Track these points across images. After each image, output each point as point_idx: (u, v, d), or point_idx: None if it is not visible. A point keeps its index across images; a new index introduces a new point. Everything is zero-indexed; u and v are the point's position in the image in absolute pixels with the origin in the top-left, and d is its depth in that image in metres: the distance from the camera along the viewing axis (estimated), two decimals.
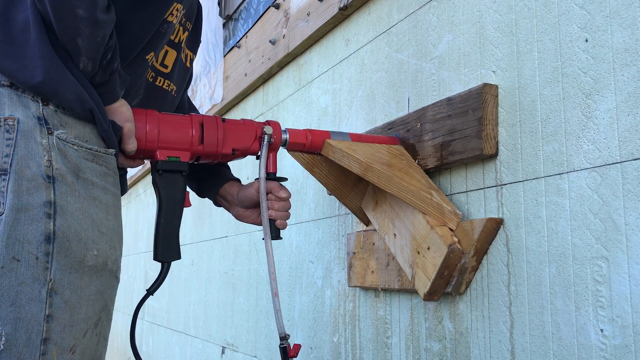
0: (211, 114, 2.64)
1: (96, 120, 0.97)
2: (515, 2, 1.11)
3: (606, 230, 0.91)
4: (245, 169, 2.30)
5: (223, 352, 2.40)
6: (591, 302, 0.92)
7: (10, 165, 0.90)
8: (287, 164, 1.94)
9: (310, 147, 1.27)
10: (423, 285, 1.17)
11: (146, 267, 3.86)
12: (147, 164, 1.22)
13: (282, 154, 1.94)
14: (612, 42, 0.93)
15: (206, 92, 2.73)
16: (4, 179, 0.90)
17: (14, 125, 0.92)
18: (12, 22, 0.96)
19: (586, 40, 0.97)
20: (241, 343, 2.24)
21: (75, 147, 0.95)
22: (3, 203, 0.89)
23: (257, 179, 1.22)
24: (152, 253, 1.13)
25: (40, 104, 0.94)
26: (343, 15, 1.68)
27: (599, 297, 0.91)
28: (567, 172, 0.98)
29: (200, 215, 2.80)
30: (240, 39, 2.44)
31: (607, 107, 0.93)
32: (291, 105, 2.01)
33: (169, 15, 1.10)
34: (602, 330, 0.90)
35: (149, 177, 3.90)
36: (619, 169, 0.90)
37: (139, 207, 4.23)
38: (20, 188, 0.90)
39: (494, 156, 1.13)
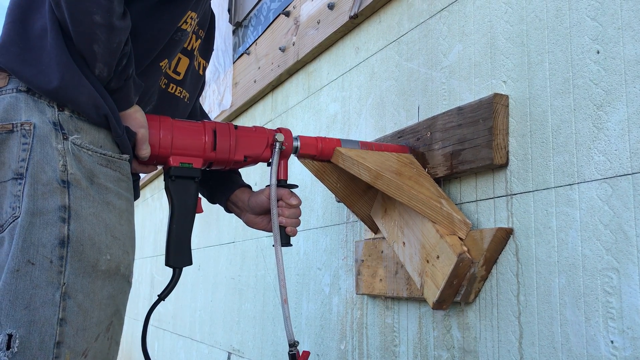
0: (220, 120, 2.65)
1: (111, 126, 0.98)
2: (526, 12, 1.12)
3: (617, 241, 0.91)
4: (253, 175, 2.31)
5: (229, 358, 2.40)
6: (601, 313, 0.92)
7: (26, 170, 0.91)
8: (295, 170, 1.95)
9: (321, 155, 1.27)
10: (432, 294, 1.17)
11: (152, 271, 3.87)
12: (157, 168, 1.23)
13: (291, 161, 1.95)
14: (623, 54, 0.93)
15: (215, 98, 2.74)
16: (20, 183, 0.91)
17: (30, 130, 0.93)
18: (30, 28, 0.97)
19: (598, 52, 0.97)
20: (247, 349, 2.24)
21: (90, 153, 0.96)
22: (19, 207, 0.90)
23: (268, 185, 1.23)
24: (158, 258, 1.13)
25: (56, 110, 0.95)
26: (353, 23, 1.69)
27: (609, 309, 0.91)
28: (578, 183, 0.98)
29: (208, 221, 2.80)
30: (250, 45, 2.45)
31: (619, 118, 0.93)
32: (300, 112, 2.02)
33: (183, 24, 1.11)
34: (612, 341, 0.90)
35: (157, 182, 3.92)
36: (630, 180, 0.90)
37: (146, 212, 4.25)
38: (35, 192, 0.91)
39: (504, 166, 1.13)
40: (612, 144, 0.94)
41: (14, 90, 0.96)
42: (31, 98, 0.95)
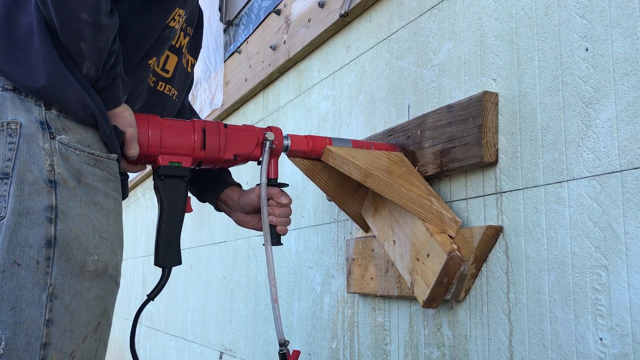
0: (211, 118, 2.64)
1: (99, 125, 0.97)
2: (515, 10, 1.12)
3: (606, 238, 0.91)
4: (244, 174, 2.30)
5: (221, 358, 2.40)
6: (590, 310, 0.92)
7: (13, 169, 0.90)
8: (286, 169, 1.95)
9: (311, 154, 1.27)
10: (422, 292, 1.17)
11: (144, 271, 3.86)
12: (147, 167, 1.22)
13: (282, 159, 1.94)
14: (612, 51, 0.93)
15: (206, 97, 2.73)
16: (5, 183, 0.90)
17: (16, 129, 0.92)
18: (16, 26, 0.96)
19: (586, 49, 0.97)
20: (239, 348, 2.24)
21: (78, 152, 0.95)
22: (5, 207, 0.89)
23: (258, 184, 1.23)
24: (150, 257, 1.13)
25: (43, 108, 0.94)
26: (344, 21, 1.68)
27: (598, 306, 0.91)
28: (567, 181, 0.98)
29: (199, 220, 2.80)
30: (241, 44, 2.45)
31: (607, 116, 0.93)
32: (291, 110, 2.02)
33: (171, 21, 1.11)
34: (601, 338, 0.91)
35: (148, 181, 3.90)
36: (619, 177, 0.90)
37: (138, 211, 4.23)
38: (22, 192, 0.90)
39: (493, 164, 1.13)
40: (601, 141, 0.94)
41: (0, 89, 0.95)
42: (18, 97, 0.94)
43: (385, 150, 1.32)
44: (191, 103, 2.73)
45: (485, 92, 1.13)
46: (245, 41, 2.40)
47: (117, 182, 1.02)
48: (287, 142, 1.24)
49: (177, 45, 1.21)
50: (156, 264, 1.14)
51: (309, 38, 1.83)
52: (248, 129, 1.21)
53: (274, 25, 2.13)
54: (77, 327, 0.92)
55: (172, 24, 1.11)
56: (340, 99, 1.71)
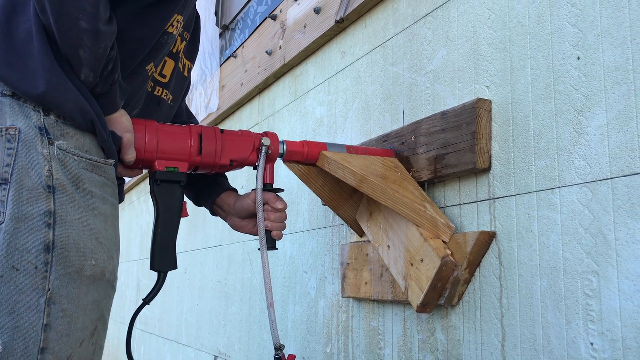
0: (206, 122, 2.65)
1: (96, 131, 0.98)
2: (509, 18, 1.14)
3: (596, 244, 0.93)
4: (239, 178, 2.31)
5: None
6: (581, 315, 0.94)
7: (11, 175, 0.91)
8: (282, 174, 1.96)
9: (307, 159, 1.28)
10: (416, 297, 1.18)
11: (139, 274, 3.85)
12: (143, 171, 1.23)
13: (277, 164, 1.95)
14: (603, 60, 0.95)
15: (202, 101, 2.74)
16: (4, 188, 0.91)
17: (15, 135, 0.93)
18: (15, 32, 0.97)
19: (578, 58, 0.99)
20: (233, 352, 2.24)
21: (75, 158, 0.96)
22: (3, 212, 0.90)
23: (254, 189, 1.23)
24: (144, 261, 1.14)
25: (42, 114, 0.95)
26: (339, 27, 1.70)
27: (589, 311, 0.93)
28: (559, 187, 1.00)
29: (194, 224, 2.80)
30: (237, 49, 2.46)
31: (598, 123, 0.95)
32: (287, 115, 2.03)
33: (169, 27, 1.12)
34: (592, 343, 0.92)
35: (143, 185, 3.90)
36: (610, 184, 0.92)
37: (132, 215, 4.23)
38: (20, 197, 0.90)
39: (487, 170, 1.14)
40: (592, 148, 0.95)
41: None
42: (16, 102, 0.95)
43: (379, 156, 1.33)
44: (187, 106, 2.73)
45: (479, 99, 1.15)
46: (241, 46, 2.41)
47: (114, 187, 1.03)
48: (283, 148, 1.25)
49: (174, 50, 1.22)
50: (152, 268, 1.15)
51: (305, 43, 1.84)
52: (244, 134, 1.22)
53: (270, 30, 2.14)
54: (74, 331, 0.92)
55: (170, 29, 1.12)
56: (335, 104, 1.72)
